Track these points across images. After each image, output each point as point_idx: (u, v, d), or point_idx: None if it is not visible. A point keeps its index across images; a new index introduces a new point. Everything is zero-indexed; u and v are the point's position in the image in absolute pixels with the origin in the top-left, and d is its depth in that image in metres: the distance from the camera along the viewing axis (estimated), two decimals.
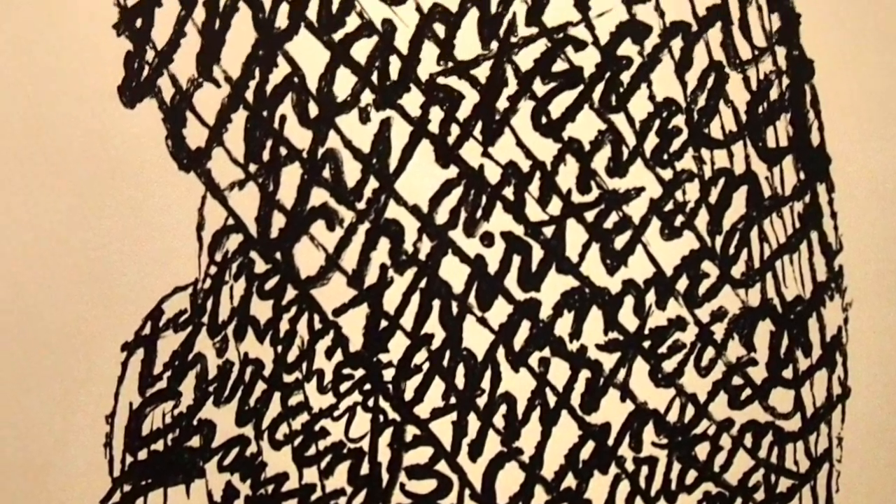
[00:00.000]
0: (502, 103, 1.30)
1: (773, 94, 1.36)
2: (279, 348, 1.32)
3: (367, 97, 1.27)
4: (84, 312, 1.29)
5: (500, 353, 1.35)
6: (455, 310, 1.34)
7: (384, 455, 1.33)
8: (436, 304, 1.33)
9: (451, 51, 1.27)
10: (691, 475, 1.38)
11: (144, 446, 1.31)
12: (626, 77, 1.31)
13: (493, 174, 1.31)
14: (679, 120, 1.34)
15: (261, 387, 1.32)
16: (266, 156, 1.28)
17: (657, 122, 1.33)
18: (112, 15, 1.24)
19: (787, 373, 1.42)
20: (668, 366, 1.38)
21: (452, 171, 1.30)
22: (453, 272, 1.33)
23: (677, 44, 1.32)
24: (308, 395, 1.33)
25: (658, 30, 1.31)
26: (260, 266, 1.31)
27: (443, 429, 1.35)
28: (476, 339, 1.35)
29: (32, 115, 1.24)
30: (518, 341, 1.35)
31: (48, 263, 1.27)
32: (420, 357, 1.34)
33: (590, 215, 1.34)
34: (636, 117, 1.33)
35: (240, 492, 1.32)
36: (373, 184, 1.29)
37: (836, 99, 1.38)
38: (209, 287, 1.31)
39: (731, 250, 1.39)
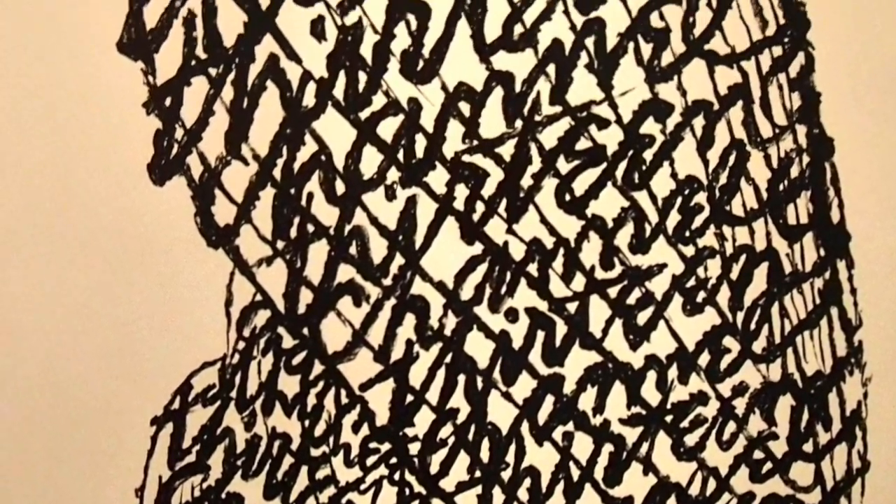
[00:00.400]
0: (526, 181, 1.23)
1: (794, 171, 1.29)
2: (306, 422, 1.26)
3: (393, 175, 1.21)
4: (114, 387, 1.23)
5: (525, 428, 1.29)
6: (480, 384, 1.27)
7: None
8: (461, 378, 1.27)
9: (476, 129, 1.21)
10: None
11: None
12: (648, 155, 1.24)
13: (517, 251, 1.24)
14: (701, 197, 1.27)
15: (288, 460, 1.26)
16: (293, 233, 1.21)
17: (679, 200, 1.27)
18: (142, 94, 1.17)
19: (808, 447, 1.35)
20: (691, 440, 1.32)
21: (477, 248, 1.24)
22: (478, 347, 1.26)
23: (699, 122, 1.25)
24: (335, 468, 1.27)
25: (680, 108, 1.24)
26: (287, 341, 1.24)
27: (468, 502, 1.29)
28: (501, 413, 1.28)
29: (64, 192, 1.19)
30: (542, 415, 1.29)
31: (78, 338, 1.21)
32: (445, 431, 1.28)
33: (613, 291, 1.28)
34: (658, 195, 1.26)
35: None
36: (399, 260, 1.23)
37: (855, 177, 1.31)
38: (237, 362, 1.24)
39: (753, 326, 1.32)
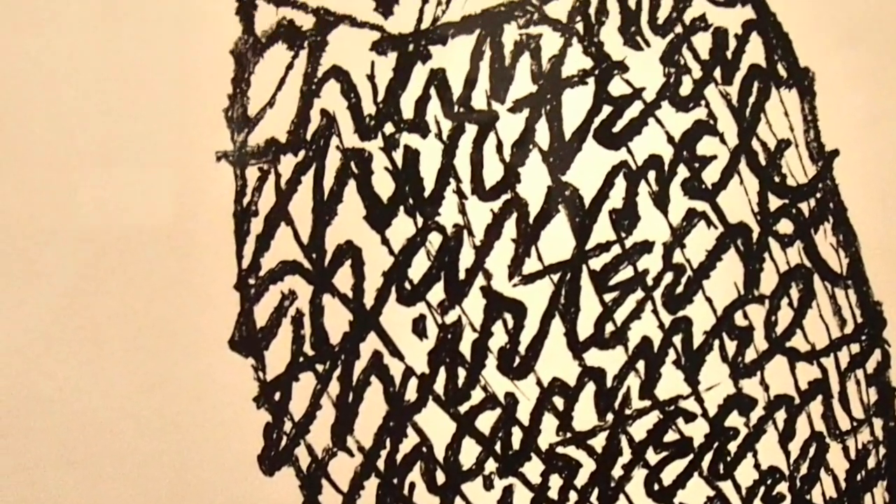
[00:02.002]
0: (617, 471, 0.96)
1: (871, 462, 1.02)
2: None
3: (490, 466, 0.94)
4: None
5: None
6: None
7: None
8: None
9: (570, 422, 0.94)
10: None
11: None
12: (733, 447, 0.98)
13: None
14: (783, 487, 0.99)
15: None
16: None
17: (762, 489, 0.99)
18: (252, 389, 0.91)
19: None
20: None
21: None
22: None
23: (781, 415, 0.98)
24: None
25: (763, 402, 0.98)
26: None
27: None
28: None
29: (178, 482, 0.90)
30: None
31: None
32: None
33: None
34: (742, 484, 0.98)
35: None
36: None
37: None
38: None
39: None
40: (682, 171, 0.93)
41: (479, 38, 0.91)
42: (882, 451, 1.01)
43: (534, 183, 0.92)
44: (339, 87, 0.90)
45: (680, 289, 0.93)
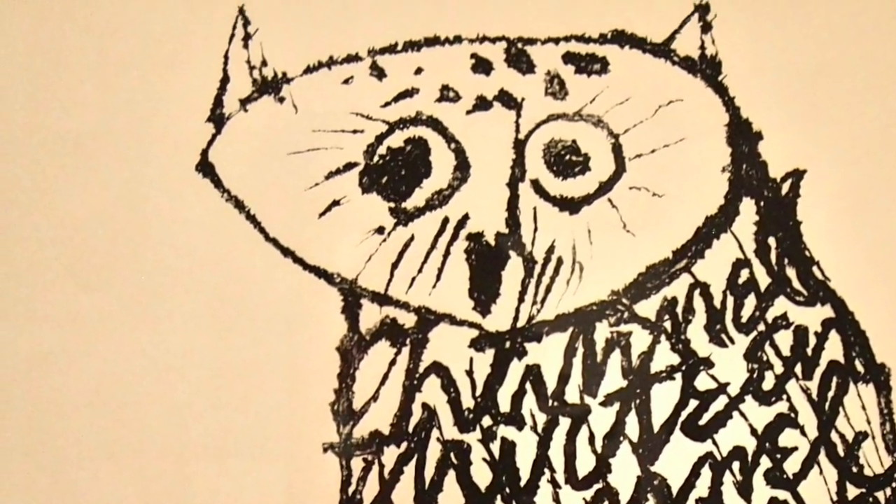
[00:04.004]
0: None
1: None
2: None
3: None
4: None
5: None
6: None
7: None
8: None
9: None
10: None
11: None
12: None
13: None
14: None
15: None
16: None
17: None
18: None
19: None
20: None
21: None
22: None
23: None
24: None
25: None
26: None
27: None
28: None
29: None
30: None
31: None
32: None
33: None
34: None
35: None
36: None
37: None
38: None
39: None
40: (765, 462, 0.93)
41: (573, 336, 0.94)
42: None
43: (624, 473, 0.92)
44: (439, 381, 0.93)
45: None
